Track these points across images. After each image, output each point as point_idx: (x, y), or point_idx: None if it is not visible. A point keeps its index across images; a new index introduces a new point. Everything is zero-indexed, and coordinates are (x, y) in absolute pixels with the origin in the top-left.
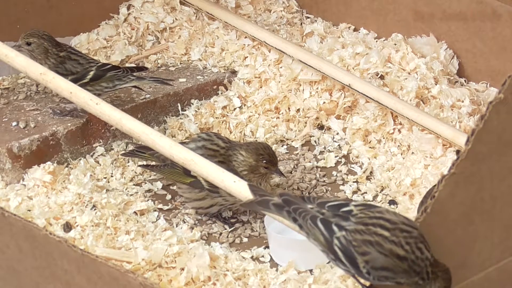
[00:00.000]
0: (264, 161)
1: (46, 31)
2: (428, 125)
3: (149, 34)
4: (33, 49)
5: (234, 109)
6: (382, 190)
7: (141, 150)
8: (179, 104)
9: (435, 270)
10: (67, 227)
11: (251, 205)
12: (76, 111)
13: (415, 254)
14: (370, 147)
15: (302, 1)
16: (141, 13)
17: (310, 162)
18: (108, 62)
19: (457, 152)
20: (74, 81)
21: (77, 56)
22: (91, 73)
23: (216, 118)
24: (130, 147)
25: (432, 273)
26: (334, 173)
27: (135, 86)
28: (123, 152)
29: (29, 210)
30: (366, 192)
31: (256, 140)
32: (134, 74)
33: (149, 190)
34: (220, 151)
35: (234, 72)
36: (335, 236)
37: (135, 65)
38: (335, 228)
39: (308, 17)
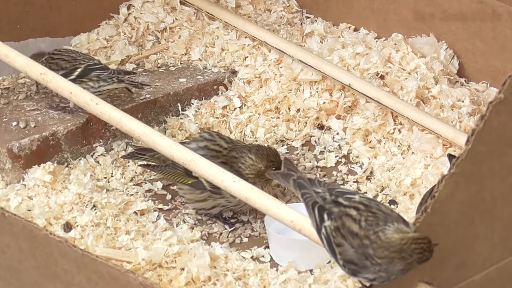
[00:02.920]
0: (274, 168)
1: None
2: (428, 125)
3: (149, 34)
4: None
5: (234, 109)
6: (382, 190)
7: (141, 152)
8: (179, 104)
9: (385, 253)
10: (67, 227)
11: (276, 175)
12: (69, 107)
13: (364, 231)
14: (370, 147)
15: (302, 1)
16: (141, 13)
17: (310, 162)
18: (107, 63)
19: (449, 156)
20: (64, 76)
21: (63, 55)
22: (79, 70)
23: (216, 118)
24: (130, 148)
25: (380, 258)
26: (334, 173)
27: (126, 88)
28: (123, 154)
29: (29, 210)
30: (366, 192)
31: (256, 140)
32: (119, 76)
33: (149, 190)
34: (223, 152)
35: (234, 72)
36: (324, 224)
37: (128, 69)
38: (325, 216)
39: (308, 17)
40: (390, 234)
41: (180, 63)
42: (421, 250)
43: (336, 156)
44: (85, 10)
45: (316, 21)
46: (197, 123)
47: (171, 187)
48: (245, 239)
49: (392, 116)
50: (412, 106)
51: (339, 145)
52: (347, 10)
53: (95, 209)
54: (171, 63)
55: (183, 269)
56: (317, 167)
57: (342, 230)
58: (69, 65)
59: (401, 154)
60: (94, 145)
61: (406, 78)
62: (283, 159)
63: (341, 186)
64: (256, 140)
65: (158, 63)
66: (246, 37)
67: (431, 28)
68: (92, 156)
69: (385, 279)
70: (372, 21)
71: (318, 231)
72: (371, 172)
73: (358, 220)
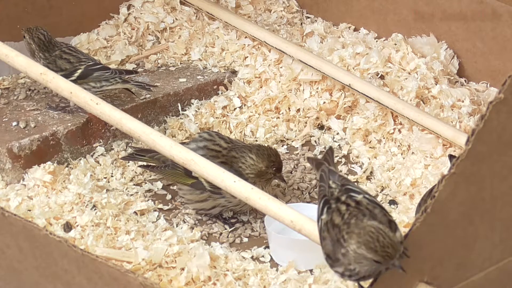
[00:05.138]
0: (274, 168)
1: (45, 30)
2: (428, 125)
3: (149, 34)
4: (25, 44)
5: (234, 109)
6: (382, 190)
7: (141, 153)
8: (179, 104)
9: (351, 230)
10: (67, 227)
11: (312, 161)
12: (69, 107)
13: (344, 221)
14: (370, 147)
15: (302, 1)
16: (141, 13)
17: None
18: (107, 63)
19: (450, 157)
20: (64, 77)
21: (69, 56)
22: (79, 71)
23: (216, 118)
24: (130, 148)
25: (347, 234)
26: None
27: (125, 89)
28: (123, 154)
29: (29, 210)
30: None
31: (256, 140)
32: (122, 76)
33: (149, 190)
34: (223, 151)
35: (234, 72)
36: (321, 217)
37: (129, 69)
38: (325, 210)
39: (308, 17)
40: (366, 223)
41: (180, 63)
42: (374, 236)
43: (336, 156)
44: (85, 10)
45: (316, 21)
46: (197, 123)
47: (171, 187)
48: (245, 239)
49: (392, 116)
50: (412, 106)
51: (339, 145)
52: (347, 10)
53: (95, 209)
54: (171, 63)
55: (183, 269)
56: None
57: (329, 224)
58: (69, 66)
59: (401, 154)
60: (94, 145)
61: (406, 78)
62: (328, 147)
63: (354, 184)
64: (256, 140)
65: (158, 63)
66: (246, 37)
67: (431, 28)
68: (92, 156)
69: (353, 272)
70: (372, 21)
71: (317, 223)
72: (371, 172)
73: (343, 214)
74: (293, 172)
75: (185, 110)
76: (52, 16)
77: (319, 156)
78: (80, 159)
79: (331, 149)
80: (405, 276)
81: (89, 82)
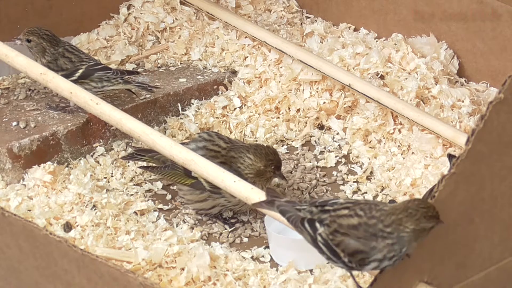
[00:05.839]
0: (273, 167)
1: (47, 28)
2: (428, 125)
3: (149, 34)
4: (32, 47)
5: (234, 109)
6: (382, 190)
7: (141, 153)
8: (179, 104)
9: (392, 218)
10: (67, 227)
11: (261, 204)
12: (69, 107)
13: (366, 216)
14: (370, 147)
15: (302, 1)
16: (141, 13)
17: (310, 162)
18: (107, 63)
19: (449, 156)
20: (64, 77)
21: (71, 54)
22: (80, 71)
23: (216, 118)
24: (130, 148)
25: (389, 225)
26: (334, 173)
27: (126, 89)
28: (123, 154)
29: (29, 210)
30: (366, 192)
31: (256, 140)
32: (124, 77)
33: (149, 190)
34: (222, 152)
35: (234, 72)
36: (318, 232)
37: (129, 69)
38: (317, 224)
39: (308, 17)
40: (391, 205)
41: (180, 63)
42: (425, 205)
43: (336, 156)
44: (85, 10)
45: (316, 21)
46: (197, 123)
47: (171, 187)
48: (245, 239)
49: (392, 116)
50: (412, 106)
51: (339, 145)
52: (347, 10)
53: (95, 209)
54: (171, 63)
55: (183, 269)
56: (317, 167)
57: (342, 230)
58: (71, 65)
59: (401, 154)
60: (94, 145)
61: (406, 78)
62: (265, 189)
63: (323, 197)
64: (256, 140)
65: (158, 63)
66: (246, 37)
67: (431, 28)
68: (92, 156)
69: (397, 253)
70: (372, 21)
71: (314, 241)
72: (371, 172)
73: (354, 214)
74: (293, 172)
75: (185, 110)
76: (52, 16)
77: (319, 157)
78: (80, 159)
79: (270, 189)
80: (405, 276)
81: (90, 82)
